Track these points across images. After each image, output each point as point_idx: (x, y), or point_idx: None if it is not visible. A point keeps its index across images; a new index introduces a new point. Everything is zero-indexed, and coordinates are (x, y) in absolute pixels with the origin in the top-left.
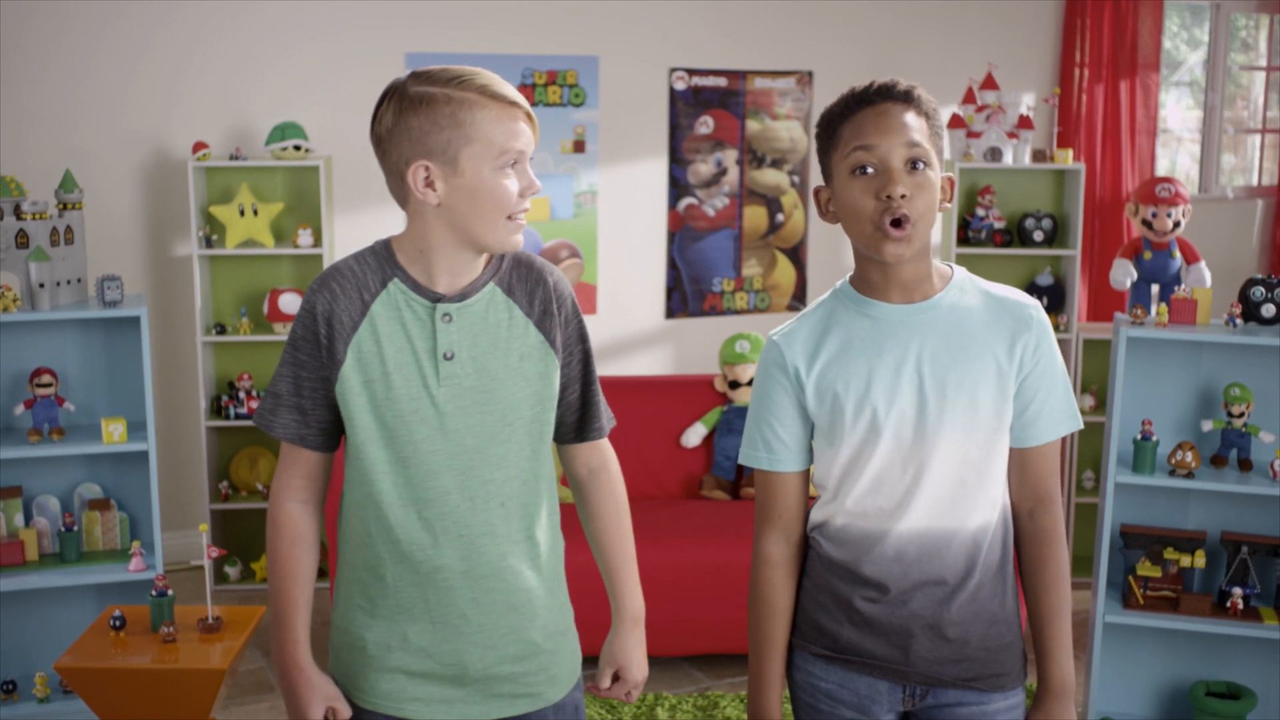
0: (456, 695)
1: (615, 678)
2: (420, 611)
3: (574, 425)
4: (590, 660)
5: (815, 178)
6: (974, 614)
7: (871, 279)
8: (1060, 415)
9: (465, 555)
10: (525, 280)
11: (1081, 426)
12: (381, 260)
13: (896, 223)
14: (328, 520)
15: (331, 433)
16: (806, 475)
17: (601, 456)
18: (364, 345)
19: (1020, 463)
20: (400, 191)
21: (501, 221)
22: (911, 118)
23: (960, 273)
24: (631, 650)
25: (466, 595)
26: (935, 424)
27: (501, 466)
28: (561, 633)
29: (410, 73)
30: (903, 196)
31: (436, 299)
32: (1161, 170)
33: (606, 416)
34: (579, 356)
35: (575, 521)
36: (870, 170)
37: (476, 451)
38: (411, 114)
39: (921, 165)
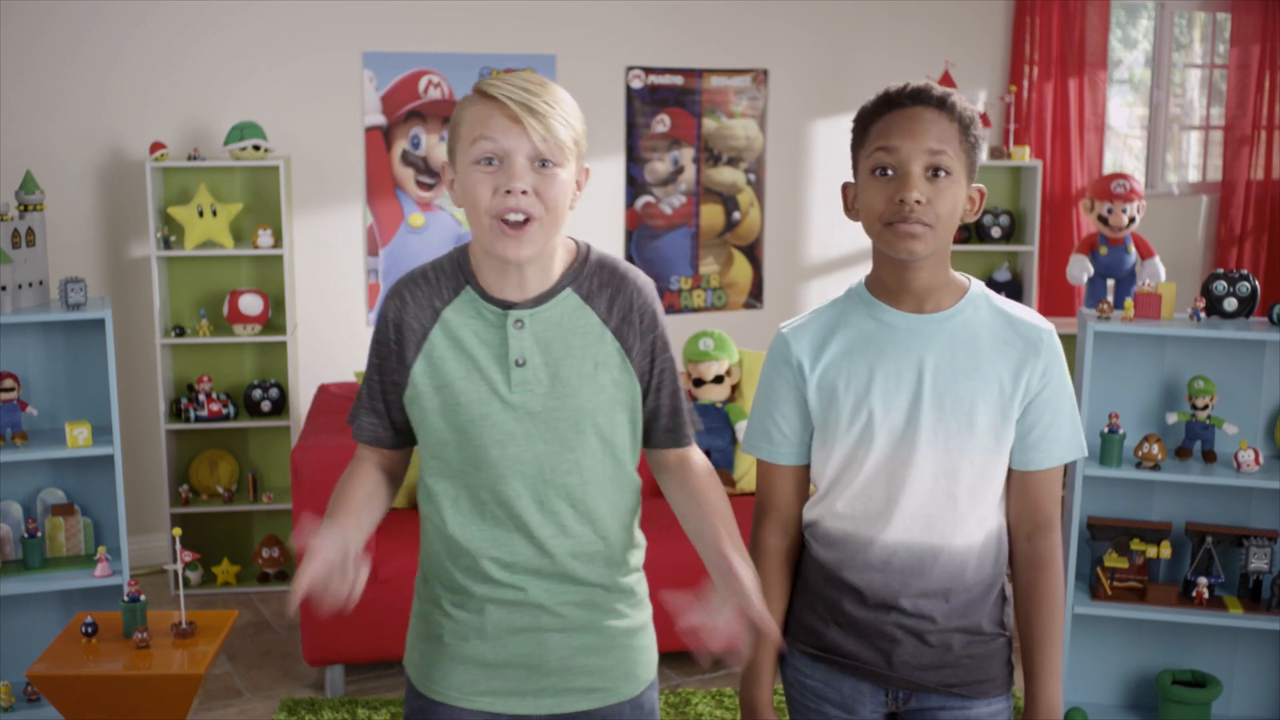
0: (530, 687)
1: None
2: (496, 602)
3: (664, 430)
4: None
5: (772, 175)
6: (959, 625)
7: (886, 282)
8: (1065, 442)
9: (537, 554)
10: (605, 286)
11: (1086, 454)
12: (457, 267)
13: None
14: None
15: (407, 432)
16: (806, 470)
17: (695, 452)
18: (435, 351)
19: (1021, 485)
20: None
21: (486, 220)
22: (942, 124)
23: (977, 287)
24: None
25: (540, 588)
26: (928, 437)
27: (574, 473)
28: (640, 629)
29: None
30: (917, 202)
31: (508, 306)
32: (1107, 167)
33: (692, 425)
34: (661, 366)
35: (653, 521)
36: (890, 172)
37: (549, 457)
38: None
39: (942, 173)
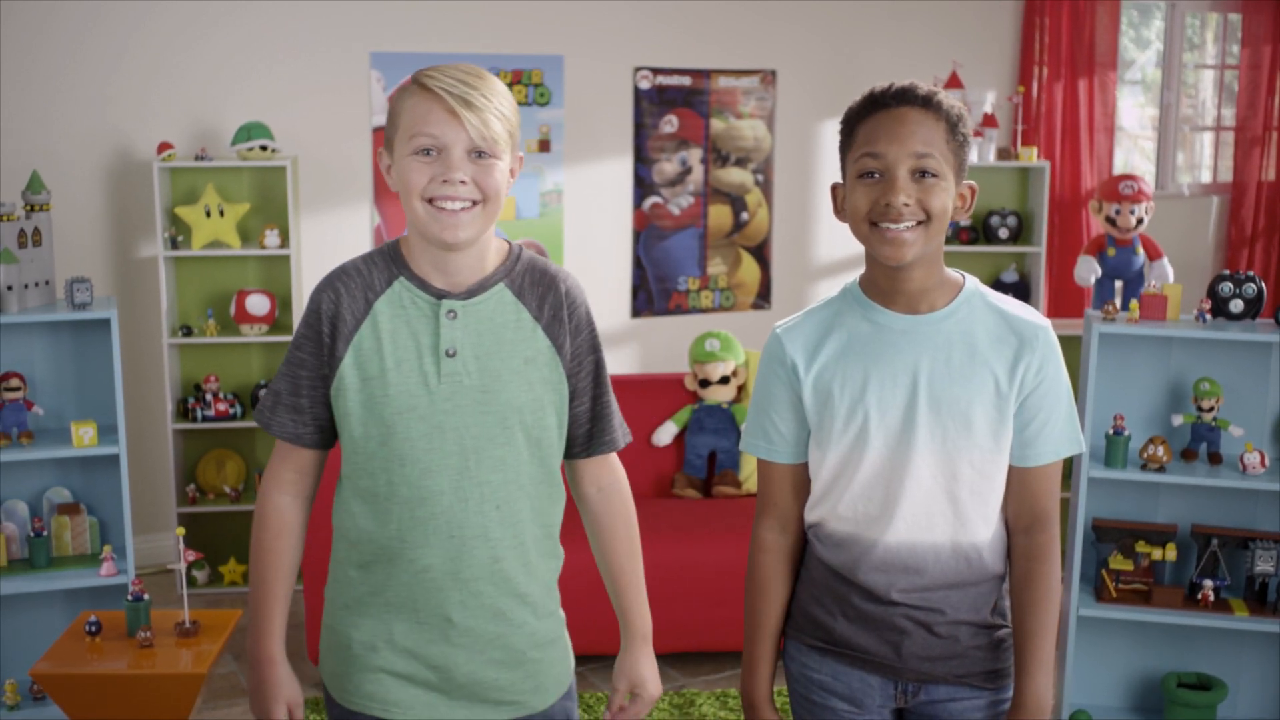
0: (440, 700)
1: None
2: (407, 612)
3: (584, 438)
4: (583, 661)
5: (780, 176)
6: (967, 618)
7: (879, 283)
8: (1062, 437)
9: (455, 556)
10: (537, 284)
11: (1083, 449)
12: (389, 259)
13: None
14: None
15: (328, 430)
16: (805, 468)
17: (612, 475)
18: (364, 343)
19: (1019, 481)
20: None
21: (419, 206)
22: (928, 124)
23: (971, 284)
24: (644, 667)
25: (454, 598)
26: (924, 440)
27: (499, 470)
28: (550, 642)
29: None
30: (905, 205)
31: (441, 295)
32: (1118, 168)
33: (621, 431)
34: (589, 367)
35: (573, 525)
36: (876, 176)
37: (474, 452)
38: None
39: (929, 175)
